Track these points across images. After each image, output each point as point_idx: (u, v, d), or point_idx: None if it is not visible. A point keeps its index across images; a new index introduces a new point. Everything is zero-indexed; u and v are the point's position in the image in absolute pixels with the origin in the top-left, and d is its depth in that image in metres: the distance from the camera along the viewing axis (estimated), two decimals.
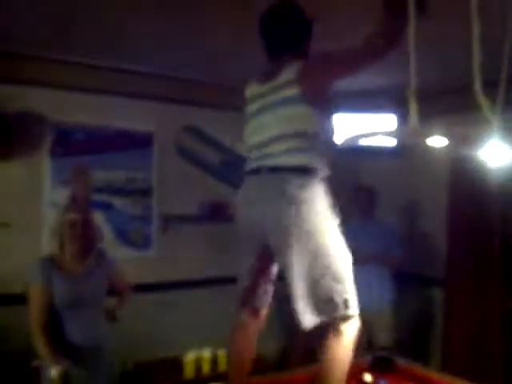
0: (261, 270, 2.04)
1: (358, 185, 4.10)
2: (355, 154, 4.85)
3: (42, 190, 3.68)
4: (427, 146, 1.29)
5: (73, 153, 3.77)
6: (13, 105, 3.48)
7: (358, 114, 4.58)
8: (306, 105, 1.89)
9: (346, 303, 1.85)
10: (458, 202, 4.13)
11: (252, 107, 2.05)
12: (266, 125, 1.98)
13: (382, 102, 4.50)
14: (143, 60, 3.69)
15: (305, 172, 1.87)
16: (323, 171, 1.91)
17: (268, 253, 1.96)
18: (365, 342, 3.88)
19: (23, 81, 3.53)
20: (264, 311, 2.12)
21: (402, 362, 2.72)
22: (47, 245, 3.58)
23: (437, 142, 1.24)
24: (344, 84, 4.26)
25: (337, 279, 1.84)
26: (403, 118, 4.39)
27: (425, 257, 4.40)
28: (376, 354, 2.82)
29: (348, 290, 1.86)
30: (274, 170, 1.91)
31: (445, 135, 1.19)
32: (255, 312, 2.09)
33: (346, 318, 1.85)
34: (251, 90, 2.09)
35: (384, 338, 3.88)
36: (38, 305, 2.58)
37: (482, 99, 1.33)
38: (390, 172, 4.67)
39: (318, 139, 1.90)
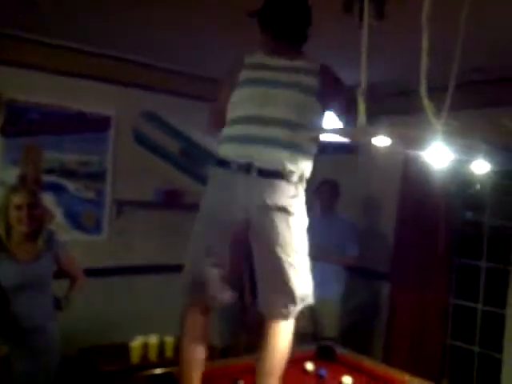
0: (229, 260, 1.98)
1: (322, 178, 4.16)
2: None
3: None
4: (372, 144, 1.34)
5: (25, 132, 3.68)
6: None
7: None
8: (317, 101, 1.93)
9: (304, 297, 2.00)
10: (407, 198, 4.28)
11: (256, 74, 1.97)
12: (273, 98, 1.90)
13: None
14: (105, 42, 3.63)
15: (298, 179, 1.92)
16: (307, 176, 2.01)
17: (238, 245, 1.95)
18: (311, 333, 4.00)
19: None
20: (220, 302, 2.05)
21: (344, 352, 2.82)
22: None
23: (381, 141, 1.29)
24: None
25: (300, 276, 1.97)
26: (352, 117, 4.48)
27: (374, 251, 4.52)
28: (320, 344, 2.91)
29: (307, 286, 2.02)
30: (267, 173, 1.85)
31: (389, 135, 1.25)
32: (212, 300, 2.02)
33: (299, 311, 1.97)
34: (257, 57, 2.02)
35: (330, 329, 3.97)
36: None
37: (426, 103, 1.39)
38: (345, 167, 4.76)
39: (316, 140, 1.97)
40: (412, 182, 4.18)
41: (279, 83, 1.92)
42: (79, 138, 3.90)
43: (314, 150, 1.99)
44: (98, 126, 3.97)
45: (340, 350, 2.83)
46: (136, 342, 3.78)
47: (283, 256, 1.89)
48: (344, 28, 2.71)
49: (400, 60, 3.20)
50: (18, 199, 2.61)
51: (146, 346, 3.82)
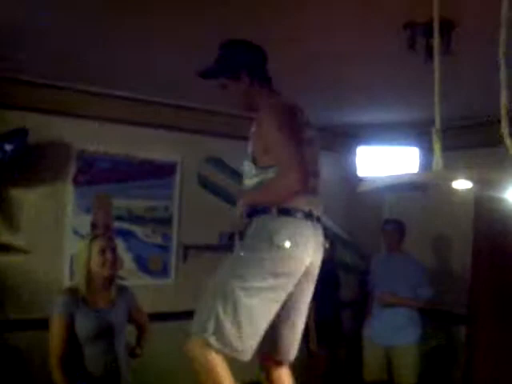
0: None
1: (385, 218, 4.07)
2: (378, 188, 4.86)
3: (65, 218, 3.71)
4: (451, 188, 1.27)
5: (95, 181, 3.82)
6: (38, 134, 3.54)
7: (380, 147, 4.56)
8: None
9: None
10: (482, 238, 4.07)
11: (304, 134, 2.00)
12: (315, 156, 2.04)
13: (404, 135, 4.48)
14: (168, 92, 3.75)
15: None
16: None
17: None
18: (383, 381, 3.83)
19: (49, 110, 3.61)
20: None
21: None
22: (69, 273, 3.65)
23: (461, 184, 1.22)
24: (367, 118, 4.31)
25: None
26: (425, 151, 4.36)
27: (447, 292, 4.30)
28: None
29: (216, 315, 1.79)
30: (318, 219, 1.98)
31: (469, 179, 1.17)
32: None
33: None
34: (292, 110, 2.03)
35: (408, 377, 3.78)
36: (57, 337, 2.55)
37: (508, 141, 1.31)
38: (413, 206, 4.62)
39: None
40: (486, 219, 3.98)
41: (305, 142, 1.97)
42: (145, 184, 4.00)
43: None
44: (163, 172, 4.06)
45: None
46: None
47: None
48: (408, 67, 2.69)
49: (471, 94, 3.11)
50: (101, 243, 2.67)
51: None
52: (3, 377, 3.25)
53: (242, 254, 1.95)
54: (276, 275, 1.83)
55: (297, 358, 2.08)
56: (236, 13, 2.28)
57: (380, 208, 5.13)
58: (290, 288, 1.90)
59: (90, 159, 3.81)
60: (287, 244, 1.84)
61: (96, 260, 2.64)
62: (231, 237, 2.16)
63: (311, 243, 1.91)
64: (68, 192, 3.73)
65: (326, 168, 4.97)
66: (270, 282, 1.82)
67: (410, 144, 4.46)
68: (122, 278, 2.90)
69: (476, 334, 4.07)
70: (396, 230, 4.07)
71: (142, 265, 4.00)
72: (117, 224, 3.87)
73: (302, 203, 1.91)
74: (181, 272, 4.13)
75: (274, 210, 1.90)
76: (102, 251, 2.65)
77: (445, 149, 1.36)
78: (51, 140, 3.64)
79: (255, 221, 1.96)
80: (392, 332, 3.82)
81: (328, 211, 4.44)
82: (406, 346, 3.81)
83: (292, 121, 1.94)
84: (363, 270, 4.77)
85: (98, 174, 3.84)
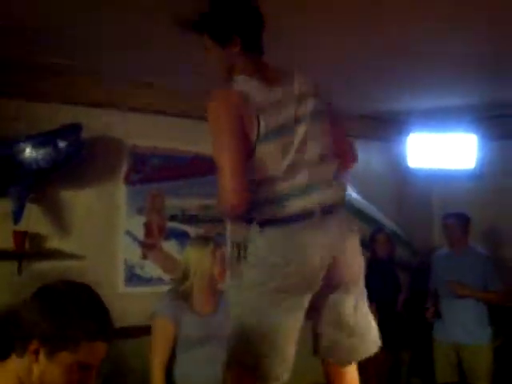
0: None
1: (446, 213, 3.88)
2: (427, 177, 4.65)
3: (118, 219, 3.45)
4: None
5: (148, 179, 3.56)
6: (88, 129, 3.26)
7: (434, 136, 4.34)
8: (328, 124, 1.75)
9: None
10: None
11: (273, 117, 1.62)
12: (303, 140, 1.66)
13: (461, 121, 4.27)
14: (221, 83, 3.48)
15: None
16: None
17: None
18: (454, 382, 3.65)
19: (100, 103, 3.34)
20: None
21: None
22: (124, 277, 3.40)
23: None
24: (419, 103, 4.08)
25: None
26: (483, 140, 4.16)
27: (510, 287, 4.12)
28: None
29: None
30: (330, 210, 1.69)
31: None
32: None
33: None
34: (261, 93, 1.64)
35: (485, 379, 3.60)
36: (163, 340, 2.36)
37: None
38: (466, 195, 4.42)
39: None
40: None
41: (301, 121, 1.67)
42: (198, 181, 3.74)
43: None
44: (215, 168, 3.79)
45: None
46: None
47: None
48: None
49: None
50: (222, 251, 2.58)
51: None
52: None
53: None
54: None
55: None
56: None
57: (428, 199, 4.93)
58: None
59: (143, 156, 3.53)
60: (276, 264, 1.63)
61: (218, 268, 2.49)
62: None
63: (315, 248, 1.64)
64: (120, 191, 3.46)
65: (375, 158, 4.80)
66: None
67: (466, 131, 4.25)
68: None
69: None
70: (459, 223, 3.87)
71: None
72: (170, 224, 3.62)
73: (299, 202, 1.64)
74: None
75: (256, 223, 1.70)
76: (222, 258, 2.50)
77: None
78: (102, 135, 3.36)
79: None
80: (463, 329, 3.64)
81: (377, 204, 4.34)
82: (479, 346, 3.63)
83: (231, 122, 1.59)
84: (415, 267, 4.57)
85: (151, 171, 3.57)
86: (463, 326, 3.65)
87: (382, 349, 1.89)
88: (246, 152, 1.62)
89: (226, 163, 1.58)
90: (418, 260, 4.57)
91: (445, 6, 2.21)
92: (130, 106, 3.46)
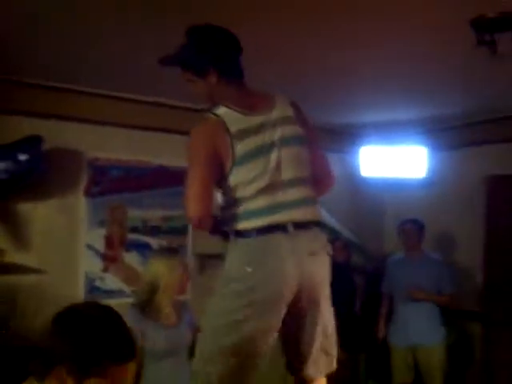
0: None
1: (403, 219, 4.06)
2: (379, 186, 4.83)
3: (79, 232, 3.44)
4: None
5: (108, 191, 3.56)
6: (47, 141, 3.25)
7: (386, 147, 4.52)
8: (306, 149, 1.83)
9: None
10: (497, 233, 4.10)
11: (248, 144, 1.70)
12: (276, 165, 1.73)
13: (411, 133, 4.47)
14: (183, 95, 3.54)
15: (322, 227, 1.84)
16: None
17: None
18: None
19: (60, 116, 3.33)
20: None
21: None
22: (84, 291, 3.38)
23: None
24: (372, 116, 4.27)
25: None
26: (433, 151, 4.38)
27: (461, 290, 4.32)
28: None
29: None
30: (302, 226, 1.75)
31: None
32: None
33: None
34: (238, 121, 1.71)
35: (438, 379, 3.76)
36: None
37: None
38: (417, 203, 4.61)
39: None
40: (501, 215, 4.02)
41: (274, 146, 1.74)
42: (160, 193, 3.77)
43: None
44: (178, 179, 3.83)
45: None
46: None
47: None
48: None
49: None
50: (183, 263, 2.61)
51: None
52: None
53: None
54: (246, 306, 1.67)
55: None
56: None
57: (381, 207, 5.11)
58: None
59: (102, 168, 3.54)
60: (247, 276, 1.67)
61: (182, 279, 2.54)
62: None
63: (287, 259, 1.69)
64: (81, 204, 3.45)
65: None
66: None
67: (417, 142, 4.45)
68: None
69: (491, 331, 4.10)
70: (416, 228, 4.04)
71: None
72: (131, 236, 3.63)
73: (271, 217, 1.70)
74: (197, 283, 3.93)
75: (232, 234, 1.75)
76: (186, 270, 2.54)
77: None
78: (62, 147, 3.35)
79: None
80: (418, 331, 3.79)
81: (332, 212, 4.48)
82: (433, 346, 3.78)
83: (204, 150, 1.71)
84: (370, 271, 4.73)
85: (111, 183, 3.58)
86: (418, 328, 3.80)
87: (342, 351, 1.97)
88: (219, 178, 1.72)
89: (194, 189, 1.70)
90: (372, 265, 4.74)
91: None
92: (91, 119, 3.47)
